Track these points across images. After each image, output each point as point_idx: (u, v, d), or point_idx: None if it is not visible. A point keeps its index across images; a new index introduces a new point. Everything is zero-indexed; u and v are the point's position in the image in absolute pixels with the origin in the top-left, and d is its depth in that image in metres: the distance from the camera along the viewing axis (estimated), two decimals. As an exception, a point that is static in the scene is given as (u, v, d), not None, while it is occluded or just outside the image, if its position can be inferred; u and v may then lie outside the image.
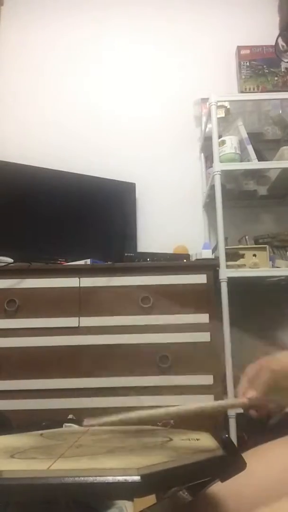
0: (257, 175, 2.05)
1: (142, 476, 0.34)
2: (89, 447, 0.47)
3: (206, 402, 0.59)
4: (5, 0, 2.45)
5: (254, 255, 1.81)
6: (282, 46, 0.77)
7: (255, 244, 1.97)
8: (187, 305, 1.60)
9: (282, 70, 2.26)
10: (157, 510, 0.49)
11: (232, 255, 1.79)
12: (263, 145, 2.08)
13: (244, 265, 1.79)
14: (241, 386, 0.61)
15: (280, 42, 0.75)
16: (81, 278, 1.63)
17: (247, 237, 2.02)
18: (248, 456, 0.56)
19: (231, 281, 1.68)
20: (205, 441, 0.47)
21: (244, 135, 1.92)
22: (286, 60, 0.83)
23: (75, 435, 0.55)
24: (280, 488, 0.51)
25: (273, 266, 1.83)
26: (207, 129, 2.08)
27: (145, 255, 1.76)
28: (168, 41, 2.40)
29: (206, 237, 2.15)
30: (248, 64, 2.28)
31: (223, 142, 1.89)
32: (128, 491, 0.35)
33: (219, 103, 1.92)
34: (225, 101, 2.12)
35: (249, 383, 0.60)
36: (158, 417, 0.59)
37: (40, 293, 1.61)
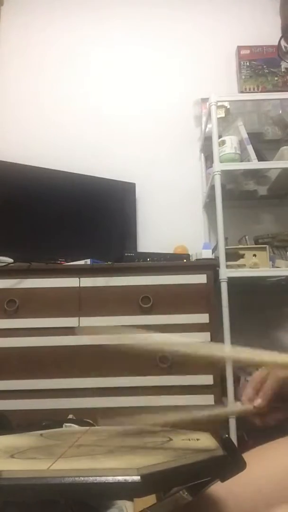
0: (257, 175, 2.05)
1: (142, 476, 0.34)
2: (89, 447, 0.47)
3: (211, 409, 0.58)
4: (5, 0, 2.45)
5: (254, 255, 1.82)
6: (285, 47, 0.76)
7: (255, 244, 1.97)
8: (187, 305, 1.60)
9: (282, 70, 2.26)
10: (157, 510, 0.49)
11: (232, 255, 1.79)
12: (263, 145, 2.08)
13: (244, 265, 1.79)
14: (247, 393, 0.61)
15: (283, 43, 0.75)
16: (81, 278, 1.63)
17: (247, 237, 2.02)
18: (249, 456, 0.56)
19: (231, 281, 1.68)
20: (205, 441, 0.47)
21: (244, 135, 1.92)
22: None
23: (75, 435, 0.55)
24: (280, 489, 0.51)
25: (273, 266, 1.83)
26: (207, 129, 2.08)
27: (145, 255, 1.76)
28: (168, 41, 2.40)
29: (206, 237, 2.15)
30: (248, 64, 2.28)
31: (223, 142, 1.89)
32: (128, 491, 0.35)
33: (219, 103, 1.92)
34: (225, 101, 2.12)
35: (255, 390, 0.60)
36: (166, 423, 0.58)
37: (40, 293, 1.61)
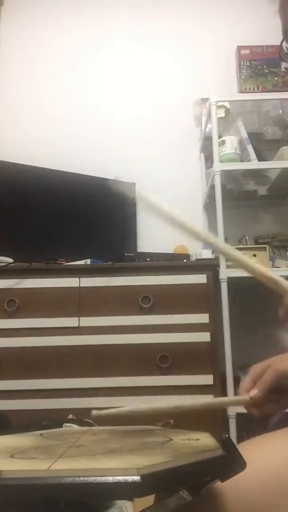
0: (257, 175, 2.05)
1: (142, 476, 0.34)
2: (89, 447, 0.47)
3: (209, 398, 0.59)
4: (5, 0, 2.45)
5: (254, 255, 1.81)
6: (287, 48, 0.76)
7: (255, 244, 1.97)
8: (187, 305, 1.60)
9: (282, 70, 2.26)
10: (157, 510, 0.49)
11: (232, 255, 1.78)
12: (263, 145, 2.08)
13: (244, 265, 1.78)
14: (244, 384, 0.61)
15: (285, 45, 0.75)
16: (81, 278, 1.63)
17: (247, 237, 2.02)
18: (247, 447, 0.56)
19: (231, 281, 1.68)
20: (205, 441, 0.47)
21: (244, 135, 1.92)
22: None
23: (75, 435, 0.55)
24: (279, 480, 0.51)
25: (273, 266, 1.83)
26: (207, 129, 2.08)
27: (145, 255, 1.76)
28: (168, 41, 2.40)
29: (206, 237, 2.15)
30: (248, 64, 2.28)
31: (223, 142, 1.89)
32: (128, 491, 0.35)
33: (219, 103, 1.92)
34: (225, 101, 2.12)
35: (253, 381, 0.60)
36: (165, 411, 0.59)
37: (40, 293, 1.61)
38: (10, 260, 1.65)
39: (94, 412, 0.57)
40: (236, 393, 1.60)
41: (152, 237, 2.14)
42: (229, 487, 0.49)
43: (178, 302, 1.60)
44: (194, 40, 2.39)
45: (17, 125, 2.30)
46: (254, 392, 0.58)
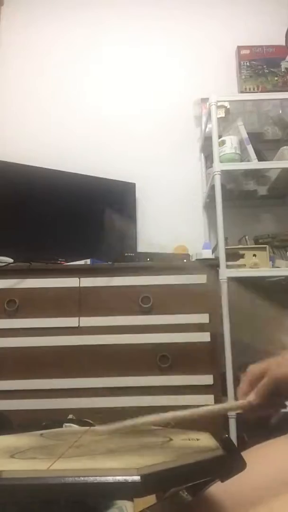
0: (257, 175, 2.05)
1: (142, 476, 0.34)
2: (89, 447, 0.47)
3: (207, 405, 0.59)
4: (5, 0, 2.45)
5: (254, 255, 1.82)
6: None
7: (255, 244, 1.97)
8: (187, 305, 1.60)
9: (282, 70, 2.26)
10: (157, 510, 0.49)
11: (232, 255, 1.79)
12: (263, 145, 2.08)
13: (244, 265, 1.79)
14: (242, 387, 0.61)
15: None
16: (81, 278, 1.63)
17: (247, 237, 2.02)
18: (248, 454, 0.57)
19: (231, 281, 1.68)
20: (205, 441, 0.47)
21: (244, 135, 1.92)
22: None
23: (75, 435, 0.55)
24: (277, 486, 0.51)
25: (273, 266, 1.83)
26: (207, 129, 2.08)
27: (145, 255, 1.76)
28: (168, 41, 2.40)
29: (206, 237, 2.15)
30: (248, 64, 2.28)
31: (223, 142, 1.89)
32: (128, 491, 0.35)
33: (219, 103, 1.92)
34: (225, 101, 2.12)
35: (250, 385, 0.60)
36: (167, 421, 0.59)
37: (40, 293, 1.61)
38: (10, 260, 1.65)
39: (99, 427, 0.57)
40: (236, 393, 1.60)
41: (152, 237, 2.14)
42: (229, 492, 0.49)
43: (178, 302, 1.60)
44: (194, 40, 2.39)
45: (17, 125, 2.30)
46: (251, 398, 0.59)
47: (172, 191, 2.23)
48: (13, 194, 1.88)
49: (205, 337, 1.58)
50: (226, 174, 1.91)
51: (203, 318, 1.59)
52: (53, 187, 1.96)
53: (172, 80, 2.36)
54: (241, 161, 1.90)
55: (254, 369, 0.61)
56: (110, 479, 0.34)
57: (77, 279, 1.62)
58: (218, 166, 1.81)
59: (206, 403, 1.51)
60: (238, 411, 0.62)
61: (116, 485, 0.34)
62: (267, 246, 1.86)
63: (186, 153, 2.27)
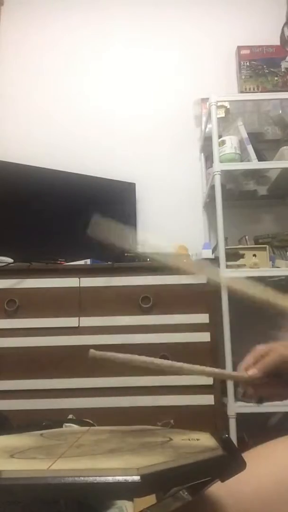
0: (257, 175, 2.05)
1: (142, 476, 0.34)
2: (89, 447, 0.47)
3: (209, 368, 0.59)
4: (5, 0, 2.45)
5: (254, 255, 1.82)
6: None
7: (255, 244, 1.97)
8: (187, 305, 1.60)
9: (282, 70, 2.26)
10: (157, 510, 0.49)
11: (232, 255, 1.79)
12: (263, 145, 2.08)
13: (244, 265, 1.79)
14: (245, 361, 0.62)
15: (286, 32, 0.75)
16: (81, 278, 1.63)
17: (247, 237, 2.02)
18: (248, 455, 0.57)
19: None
20: (205, 441, 0.47)
21: (244, 135, 1.92)
22: None
23: (75, 435, 0.55)
24: (279, 487, 0.51)
25: (273, 266, 1.83)
26: (207, 129, 2.08)
27: (145, 255, 1.76)
28: (168, 41, 2.40)
29: (206, 237, 2.15)
30: (248, 64, 2.28)
31: (223, 142, 1.89)
32: (128, 491, 0.35)
33: (219, 103, 1.92)
34: (225, 101, 2.12)
35: (254, 360, 0.61)
36: (161, 367, 0.60)
37: (40, 293, 1.61)
38: (10, 260, 1.65)
39: (91, 351, 0.57)
40: (236, 394, 1.60)
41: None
42: (229, 492, 0.49)
43: (178, 302, 1.60)
44: (194, 40, 2.39)
45: (17, 125, 2.30)
46: (253, 371, 0.59)
47: (172, 191, 2.23)
48: (13, 194, 1.88)
49: (205, 337, 1.58)
50: (226, 174, 1.92)
51: (203, 318, 1.59)
52: (53, 187, 1.96)
53: (172, 80, 2.36)
54: (241, 161, 1.90)
55: (259, 347, 0.62)
56: (110, 479, 0.34)
57: (77, 279, 1.62)
58: (218, 166, 1.81)
59: (206, 403, 1.51)
60: (237, 381, 0.62)
61: (116, 485, 0.34)
62: (267, 246, 1.86)
63: (186, 153, 2.27)
